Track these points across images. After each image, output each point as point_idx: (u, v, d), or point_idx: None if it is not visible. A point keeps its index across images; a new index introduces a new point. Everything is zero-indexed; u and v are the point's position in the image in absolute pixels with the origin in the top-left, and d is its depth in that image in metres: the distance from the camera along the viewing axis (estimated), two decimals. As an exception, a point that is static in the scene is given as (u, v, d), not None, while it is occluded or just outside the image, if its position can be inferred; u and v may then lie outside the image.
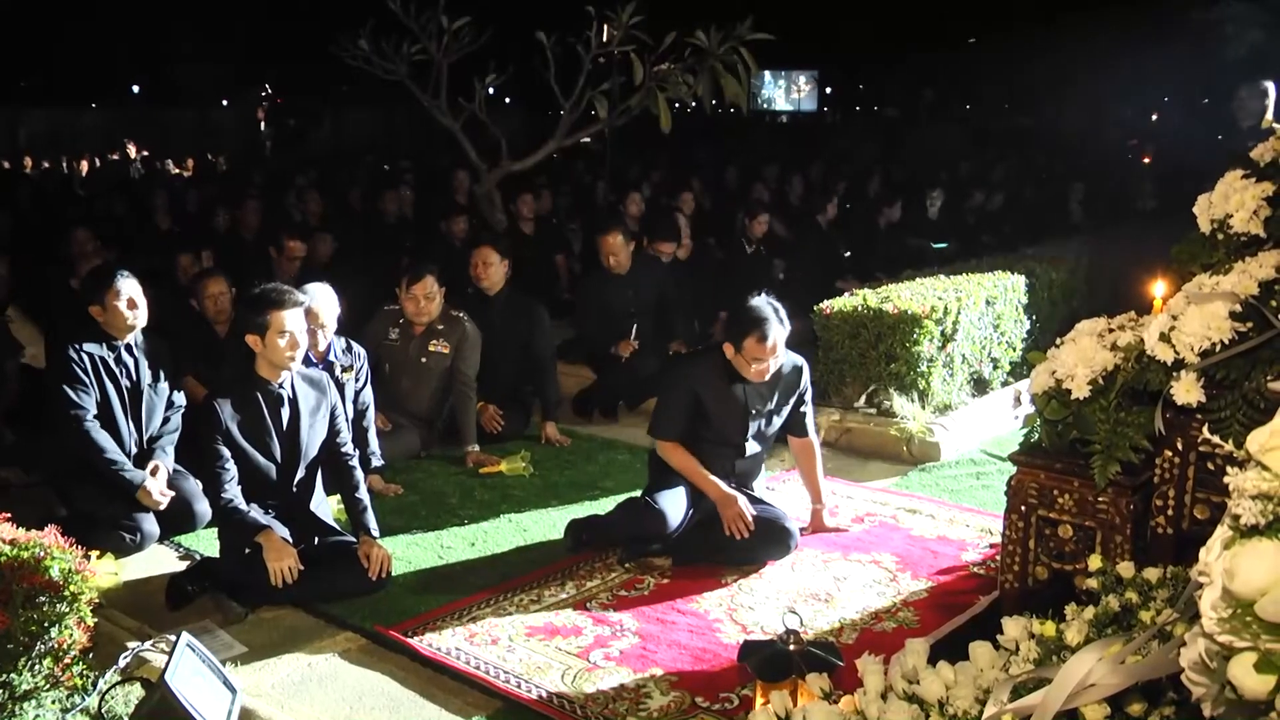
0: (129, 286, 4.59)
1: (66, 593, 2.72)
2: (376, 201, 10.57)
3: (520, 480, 5.44)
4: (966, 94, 26.27)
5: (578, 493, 5.29)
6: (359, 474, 4.30)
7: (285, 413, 4.14)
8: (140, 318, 4.63)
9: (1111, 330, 3.24)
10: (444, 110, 9.35)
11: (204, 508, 4.61)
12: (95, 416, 4.54)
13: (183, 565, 4.36)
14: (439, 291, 5.73)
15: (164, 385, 4.79)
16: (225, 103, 28.50)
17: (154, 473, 4.60)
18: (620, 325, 6.72)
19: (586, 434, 6.21)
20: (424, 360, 5.73)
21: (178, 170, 17.41)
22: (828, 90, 34.52)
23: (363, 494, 4.25)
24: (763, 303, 4.28)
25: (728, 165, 14.47)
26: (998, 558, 3.71)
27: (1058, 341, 3.32)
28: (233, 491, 4.01)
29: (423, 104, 9.38)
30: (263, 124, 25.54)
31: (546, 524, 4.88)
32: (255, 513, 4.04)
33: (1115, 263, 7.30)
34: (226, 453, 4.02)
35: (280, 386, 4.12)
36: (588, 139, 11.39)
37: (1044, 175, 12.77)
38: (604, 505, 5.01)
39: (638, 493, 5.07)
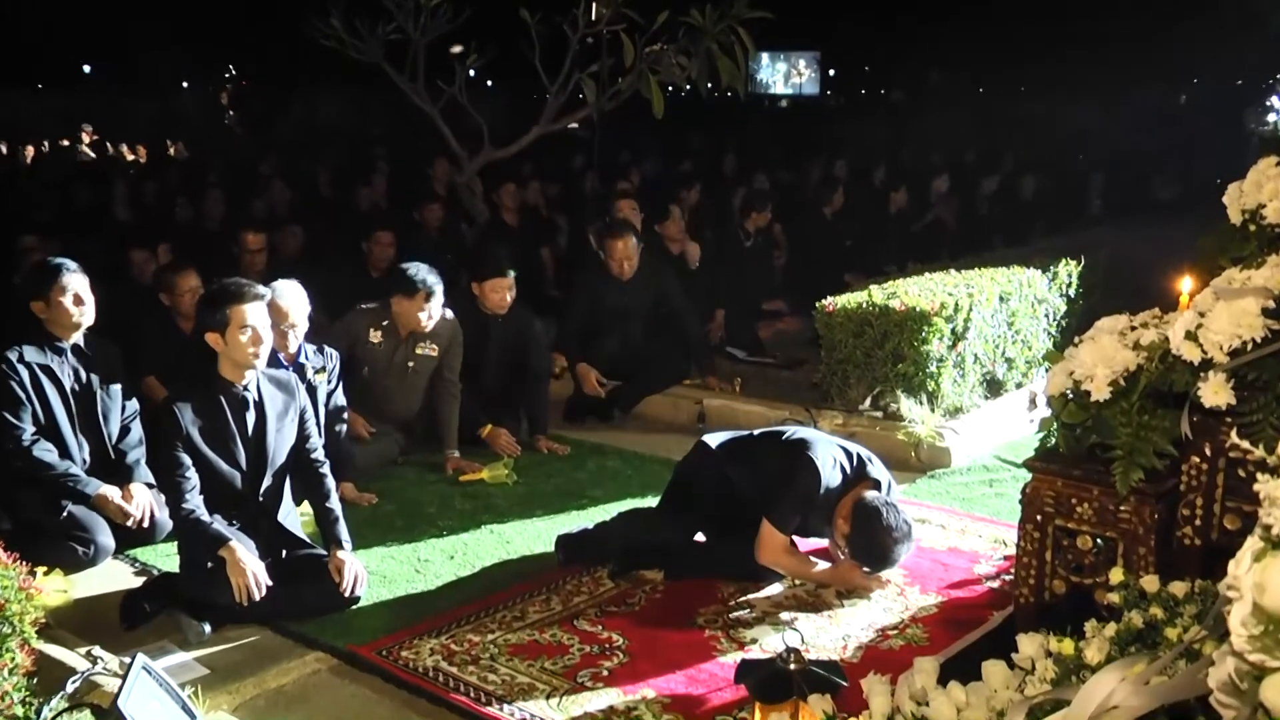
0: (76, 282, 4.53)
1: (9, 612, 2.69)
2: (348, 191, 10.53)
3: (503, 488, 5.43)
4: (977, 77, 26.29)
5: (564, 501, 5.28)
6: (330, 482, 4.28)
7: (250, 417, 4.12)
8: (87, 316, 4.58)
9: (1134, 328, 3.23)
10: (422, 94, 9.33)
11: (165, 517, 4.58)
12: (37, 432, 4.48)
13: (139, 581, 4.33)
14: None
15: (116, 388, 4.74)
16: (186, 85, 28.38)
17: (128, 497, 4.56)
18: (610, 325, 6.67)
19: (575, 439, 6.20)
20: (411, 364, 5.69)
21: (132, 157, 17.27)
22: (830, 73, 34.54)
23: (334, 503, 4.23)
24: (899, 530, 4.06)
25: (725, 153, 14.46)
26: (1012, 570, 3.70)
27: (1076, 340, 3.31)
28: (194, 501, 3.99)
29: (399, 87, 9.36)
30: (227, 109, 25.45)
31: (531, 535, 4.87)
32: (218, 524, 4.01)
33: (1138, 256, 7.31)
34: (187, 460, 3.99)
35: (245, 389, 4.09)
36: (575, 125, 11.37)
37: (1062, 163, 12.78)
38: (593, 515, 5.02)
39: (630, 502, 5.11)
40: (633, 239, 6.63)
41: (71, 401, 4.58)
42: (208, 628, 3.89)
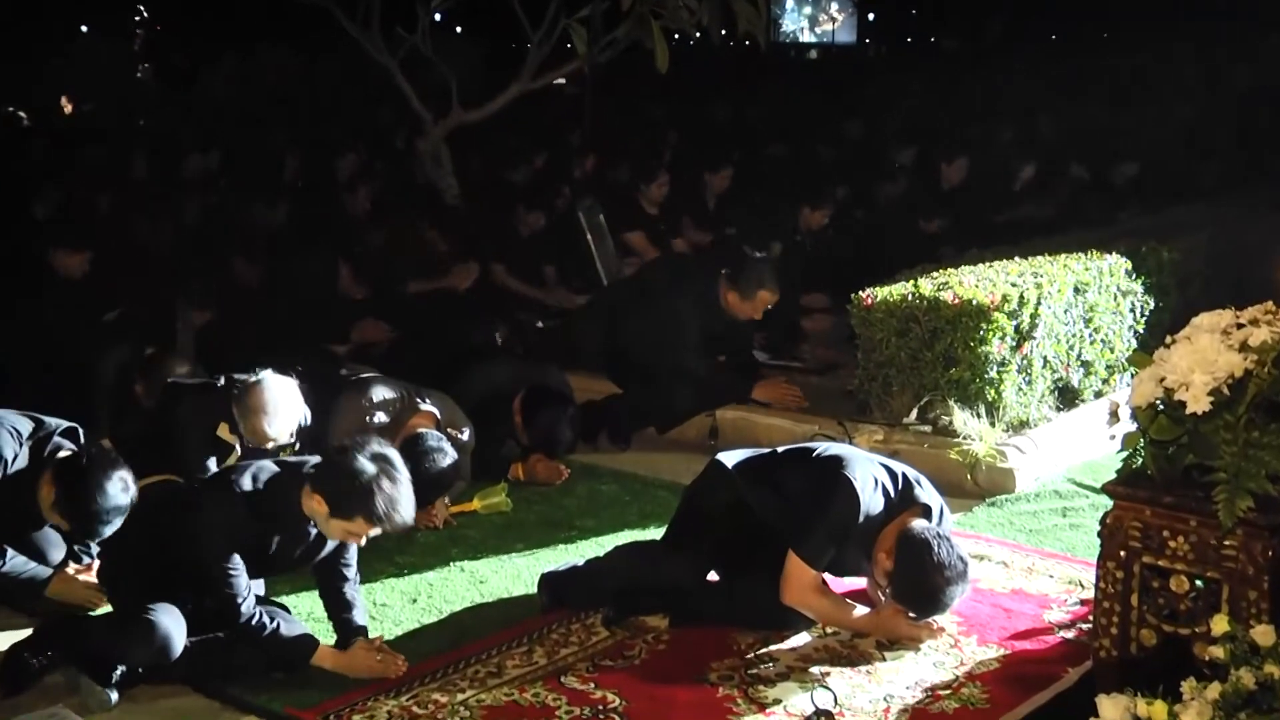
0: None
1: None
2: (317, 177, 10.38)
3: (475, 518, 5.43)
4: (1051, 23, 26.17)
5: (549, 533, 5.27)
6: (353, 571, 4.26)
7: (299, 548, 4.13)
8: None
9: (1240, 326, 3.23)
10: (377, 43, 9.33)
11: (58, 556, 4.56)
12: None
13: (26, 632, 4.24)
14: None
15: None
16: (84, 29, 28.17)
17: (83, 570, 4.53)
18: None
19: (562, 459, 6.17)
20: None
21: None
22: (869, 17, 34.53)
23: (352, 591, 4.21)
24: (953, 568, 4.04)
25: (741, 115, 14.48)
26: (1090, 618, 3.71)
27: (1168, 340, 3.32)
28: (251, 603, 3.96)
29: (350, 36, 9.37)
30: (140, 61, 25.33)
31: (509, 574, 4.86)
32: (280, 619, 4.02)
33: (1247, 238, 7.28)
34: (237, 559, 3.93)
35: (313, 525, 4.07)
36: (562, 80, 11.38)
37: (1160, 130, 12.67)
38: (584, 549, 5.02)
39: (628, 534, 5.12)
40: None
41: None
42: (114, 695, 3.86)
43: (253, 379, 4.90)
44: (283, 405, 4.93)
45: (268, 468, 4.08)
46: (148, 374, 5.62)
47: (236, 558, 3.94)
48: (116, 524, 4.18)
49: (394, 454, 3.99)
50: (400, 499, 3.90)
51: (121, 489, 4.16)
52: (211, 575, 3.93)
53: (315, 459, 4.13)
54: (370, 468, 3.85)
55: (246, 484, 3.98)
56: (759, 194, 10.31)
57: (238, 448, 5.00)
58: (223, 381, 5.07)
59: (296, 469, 4.06)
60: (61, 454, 4.39)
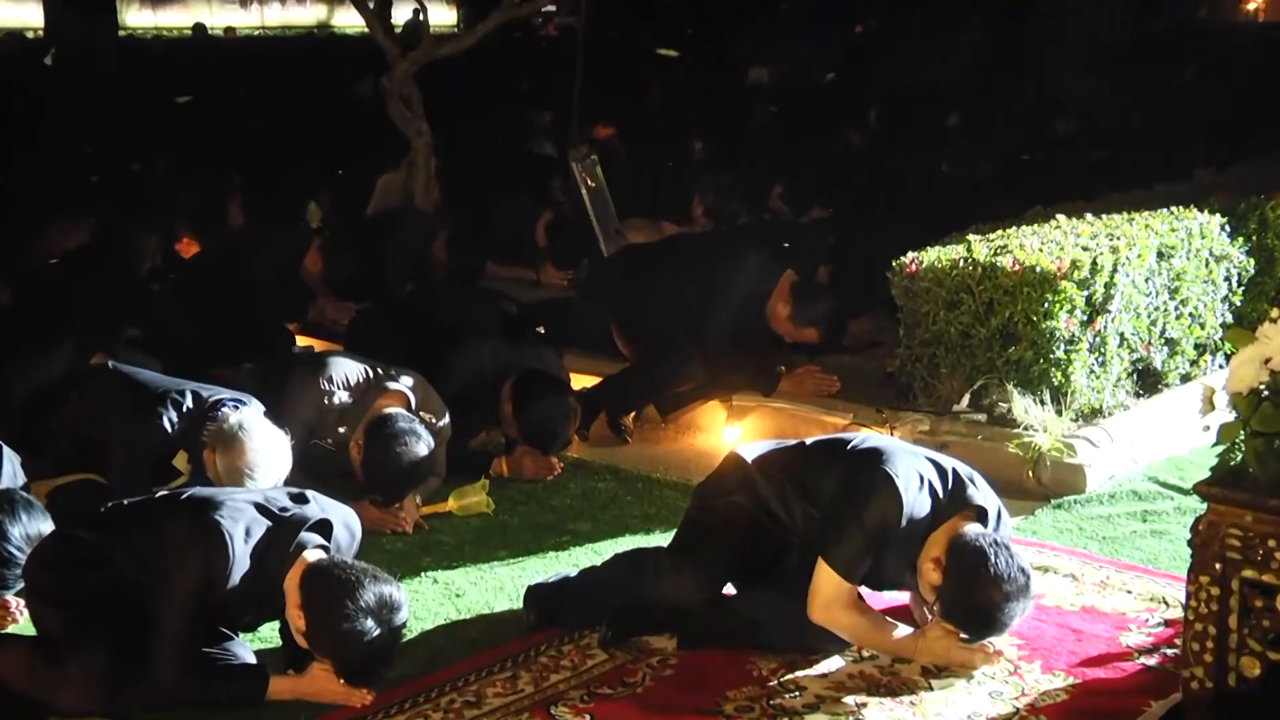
0: None
1: None
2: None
3: (450, 521, 5.43)
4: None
5: (537, 539, 5.29)
6: None
7: (261, 617, 4.23)
8: None
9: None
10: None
11: None
12: None
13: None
14: None
15: None
16: None
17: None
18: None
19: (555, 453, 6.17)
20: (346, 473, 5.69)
21: None
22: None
23: None
24: (1012, 581, 4.02)
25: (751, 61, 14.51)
26: (1177, 642, 3.76)
27: (1272, 314, 3.32)
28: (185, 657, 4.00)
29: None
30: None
31: (491, 586, 4.87)
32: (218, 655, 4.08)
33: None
34: (194, 611, 3.99)
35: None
36: (552, 7, 11.34)
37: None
38: (577, 558, 5.04)
39: (629, 540, 5.14)
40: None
41: None
42: None
43: (232, 421, 4.91)
44: (269, 461, 4.94)
45: (258, 522, 4.07)
46: (87, 383, 5.62)
47: (193, 610, 3.97)
48: (18, 585, 4.34)
49: (402, 602, 3.99)
50: (387, 659, 3.97)
51: (28, 544, 4.30)
52: (160, 619, 3.95)
53: (311, 514, 4.13)
54: (372, 630, 3.85)
55: (239, 541, 3.98)
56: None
57: (185, 475, 5.06)
58: (189, 401, 5.13)
59: (290, 534, 4.04)
60: None
